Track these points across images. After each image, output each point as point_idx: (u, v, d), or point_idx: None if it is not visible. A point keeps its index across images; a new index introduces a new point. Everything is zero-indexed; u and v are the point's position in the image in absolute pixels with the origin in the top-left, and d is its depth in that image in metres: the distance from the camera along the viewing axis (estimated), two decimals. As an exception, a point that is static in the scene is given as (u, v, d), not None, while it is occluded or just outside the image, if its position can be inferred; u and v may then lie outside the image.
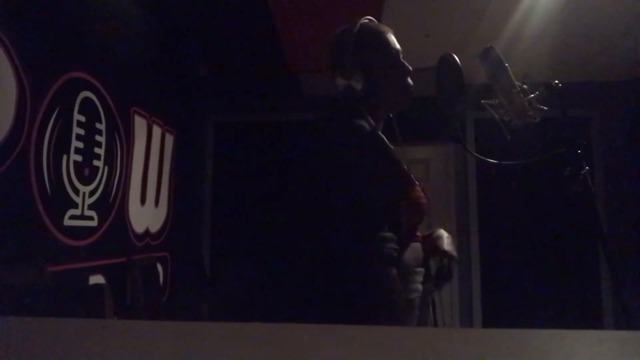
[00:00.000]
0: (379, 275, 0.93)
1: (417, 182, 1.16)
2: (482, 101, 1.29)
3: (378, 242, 0.94)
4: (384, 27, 1.20)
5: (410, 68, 1.18)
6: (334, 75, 1.16)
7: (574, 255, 3.94)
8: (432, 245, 1.19)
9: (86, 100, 2.31)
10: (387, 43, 1.17)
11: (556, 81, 1.19)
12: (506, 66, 1.22)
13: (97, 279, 2.37)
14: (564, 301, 3.89)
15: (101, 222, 2.46)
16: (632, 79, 3.91)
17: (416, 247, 1.12)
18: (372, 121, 1.10)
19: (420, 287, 1.08)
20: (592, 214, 1.14)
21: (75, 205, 2.22)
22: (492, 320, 3.93)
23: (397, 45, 1.18)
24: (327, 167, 1.04)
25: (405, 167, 1.17)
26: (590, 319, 3.88)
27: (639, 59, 3.49)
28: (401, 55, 1.18)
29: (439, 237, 1.21)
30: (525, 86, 1.22)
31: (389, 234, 0.96)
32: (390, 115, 1.23)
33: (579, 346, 0.38)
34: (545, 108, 1.20)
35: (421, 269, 1.11)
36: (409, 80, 1.18)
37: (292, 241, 1.15)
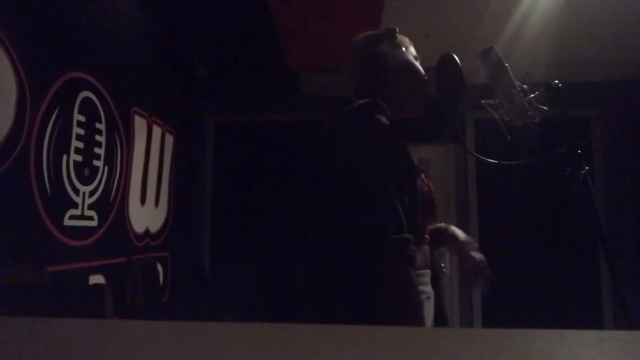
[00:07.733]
0: (402, 277, 0.93)
1: (426, 181, 1.17)
2: (482, 101, 1.29)
3: (400, 244, 0.93)
4: (403, 35, 1.24)
5: (425, 75, 1.20)
6: (352, 73, 1.19)
7: (574, 255, 3.94)
8: (452, 248, 1.23)
9: (86, 100, 2.31)
10: (406, 47, 1.21)
11: (556, 81, 1.19)
12: (506, 66, 1.22)
13: (97, 279, 2.37)
14: (564, 301, 3.89)
15: (101, 222, 2.46)
16: (632, 79, 3.90)
17: (425, 249, 1.12)
18: (389, 118, 1.09)
19: (426, 288, 1.09)
20: (592, 214, 1.14)
21: (75, 205, 2.22)
22: (492, 320, 3.93)
23: (414, 52, 1.22)
24: (350, 165, 1.01)
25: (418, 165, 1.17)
26: (590, 319, 3.88)
27: (639, 59, 3.49)
28: (418, 62, 1.21)
29: (465, 242, 1.23)
30: (525, 86, 1.22)
31: (409, 236, 0.95)
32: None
33: (579, 346, 0.38)
34: (545, 108, 1.20)
35: (427, 271, 1.11)
36: (425, 84, 1.20)
37: (312, 242, 1.14)
